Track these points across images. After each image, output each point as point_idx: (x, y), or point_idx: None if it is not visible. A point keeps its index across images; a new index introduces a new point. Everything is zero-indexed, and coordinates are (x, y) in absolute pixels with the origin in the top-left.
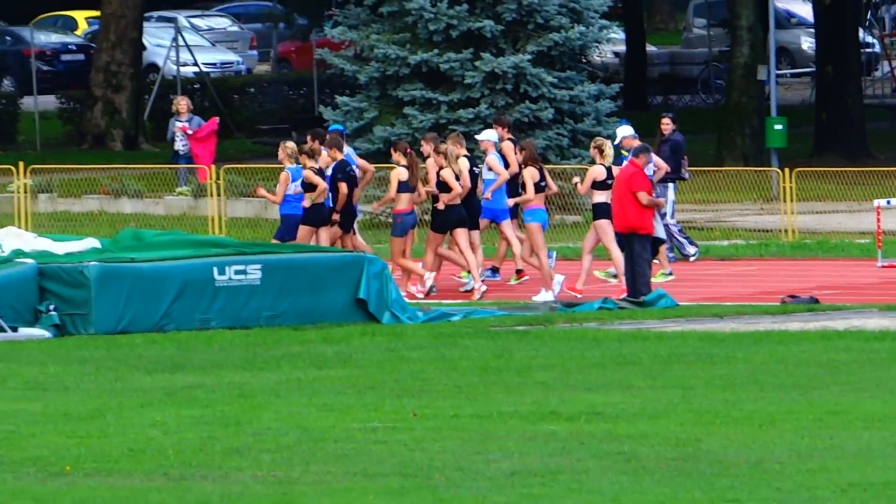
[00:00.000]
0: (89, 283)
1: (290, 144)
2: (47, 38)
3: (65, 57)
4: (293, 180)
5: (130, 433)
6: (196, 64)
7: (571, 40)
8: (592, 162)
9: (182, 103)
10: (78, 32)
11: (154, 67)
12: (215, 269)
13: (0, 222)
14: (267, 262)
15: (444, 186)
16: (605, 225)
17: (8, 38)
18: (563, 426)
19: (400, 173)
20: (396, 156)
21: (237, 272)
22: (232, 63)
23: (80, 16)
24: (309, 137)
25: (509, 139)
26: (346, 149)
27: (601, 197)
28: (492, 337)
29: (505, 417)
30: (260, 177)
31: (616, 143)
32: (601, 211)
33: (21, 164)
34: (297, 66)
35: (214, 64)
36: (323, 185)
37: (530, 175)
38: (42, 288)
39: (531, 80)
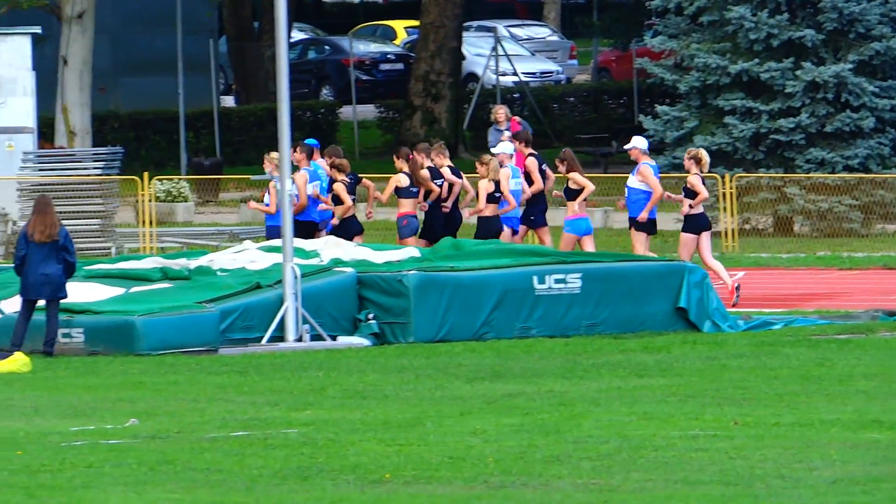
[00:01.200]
0: (409, 291)
1: (275, 154)
2: (366, 48)
3: (383, 66)
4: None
5: (450, 441)
6: (515, 73)
7: (893, 49)
8: None
9: (500, 112)
10: (397, 42)
11: (473, 77)
12: (535, 278)
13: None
14: (587, 270)
15: (490, 197)
16: None
17: (327, 47)
18: (885, 434)
19: (399, 179)
20: (399, 163)
21: (557, 281)
22: (551, 73)
23: (399, 25)
24: (298, 149)
25: (531, 154)
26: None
27: None
28: (813, 345)
29: (826, 426)
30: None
31: None
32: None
33: None
34: (616, 76)
35: (534, 73)
36: (349, 201)
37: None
38: (361, 297)
39: (852, 89)
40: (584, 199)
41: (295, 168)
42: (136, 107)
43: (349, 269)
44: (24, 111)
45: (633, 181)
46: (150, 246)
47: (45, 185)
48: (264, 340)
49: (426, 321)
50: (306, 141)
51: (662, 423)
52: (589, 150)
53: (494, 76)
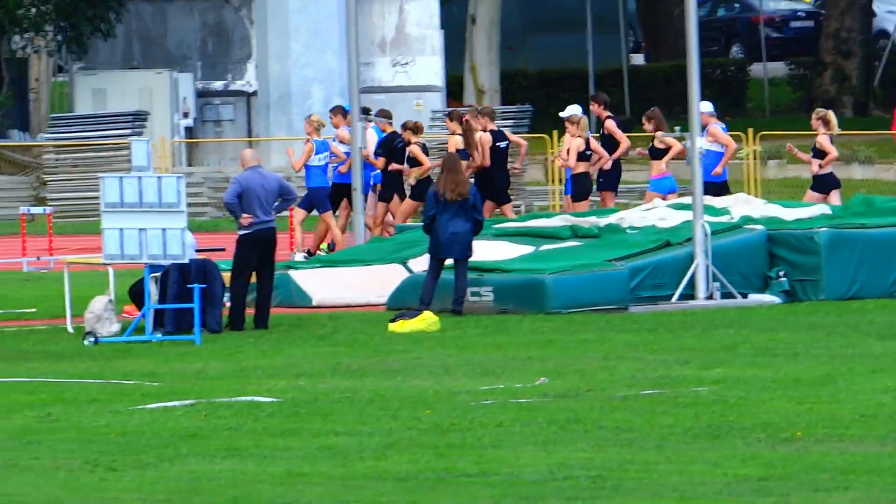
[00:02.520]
0: (819, 249)
1: (316, 117)
2: (776, 5)
3: (794, 24)
4: (317, 152)
5: (861, 399)
6: None
7: None
8: None
9: None
10: (807, 0)
11: (884, 34)
12: None
13: (730, 189)
14: None
15: (581, 155)
16: None
17: (737, 4)
18: None
19: (457, 141)
20: (452, 125)
21: None
22: None
23: None
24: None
25: (608, 117)
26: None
27: None
28: None
29: None
30: None
31: None
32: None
33: (750, 130)
34: None
35: None
36: (427, 162)
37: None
38: (772, 254)
39: None
40: (671, 158)
41: (415, 130)
42: (545, 65)
43: (759, 227)
44: (432, 70)
45: (705, 143)
46: (560, 203)
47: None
48: (674, 298)
49: (837, 278)
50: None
51: None
52: None
53: None
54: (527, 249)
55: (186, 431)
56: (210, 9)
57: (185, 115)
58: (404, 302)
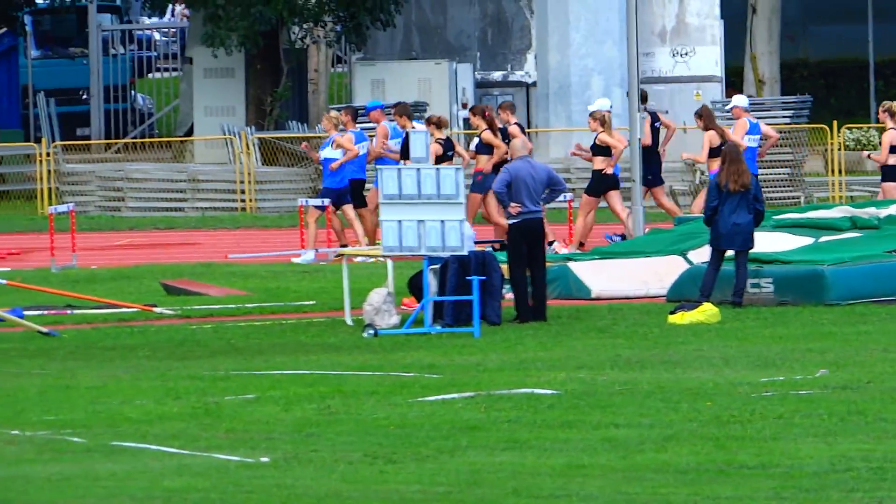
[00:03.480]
0: None
1: (334, 113)
2: None
3: None
4: (322, 148)
5: None
6: None
7: None
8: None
9: None
10: None
11: None
12: None
13: None
14: None
15: (602, 150)
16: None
17: None
18: None
19: (488, 136)
20: (476, 120)
21: None
22: None
23: None
24: (344, 112)
25: (645, 110)
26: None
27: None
28: None
29: None
30: None
31: None
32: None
33: None
34: None
35: None
36: (503, 146)
37: (709, 138)
38: None
39: None
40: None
41: (439, 125)
42: (825, 55)
43: None
44: (711, 60)
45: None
46: (839, 195)
47: None
48: None
49: None
50: (369, 103)
51: None
52: None
53: None
54: (806, 241)
55: (466, 424)
56: None
57: (464, 105)
58: (684, 293)
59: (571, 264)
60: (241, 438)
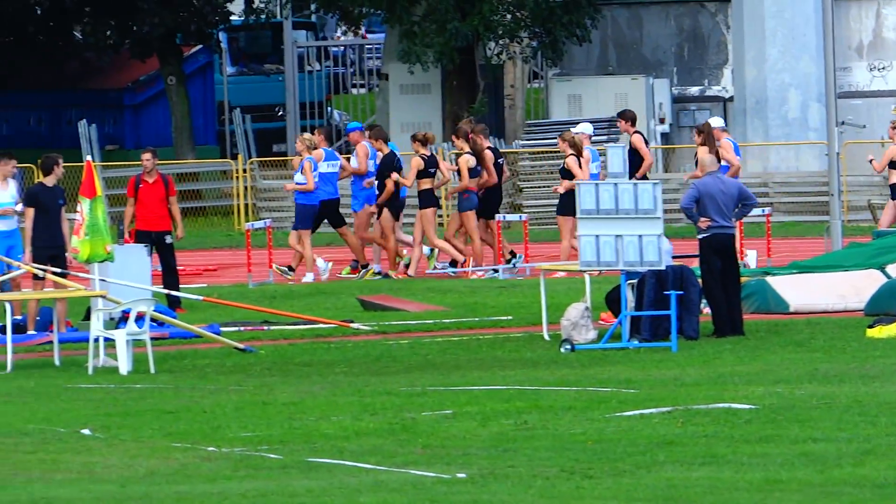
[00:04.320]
0: None
1: (307, 136)
2: None
3: None
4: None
5: None
6: None
7: None
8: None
9: None
10: None
11: None
12: None
13: None
14: None
15: (568, 174)
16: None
17: None
18: None
19: (468, 160)
20: (460, 143)
21: None
22: None
23: None
24: (317, 132)
25: (636, 132)
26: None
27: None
28: None
29: None
30: None
31: None
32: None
33: None
34: None
35: None
36: (583, 176)
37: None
38: None
39: None
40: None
41: (424, 143)
42: None
43: None
44: None
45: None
46: None
47: None
48: None
49: None
50: (349, 126)
51: None
52: None
53: None
54: None
55: (663, 439)
56: (686, 14)
57: (662, 121)
58: (882, 307)
59: (769, 279)
60: (438, 454)
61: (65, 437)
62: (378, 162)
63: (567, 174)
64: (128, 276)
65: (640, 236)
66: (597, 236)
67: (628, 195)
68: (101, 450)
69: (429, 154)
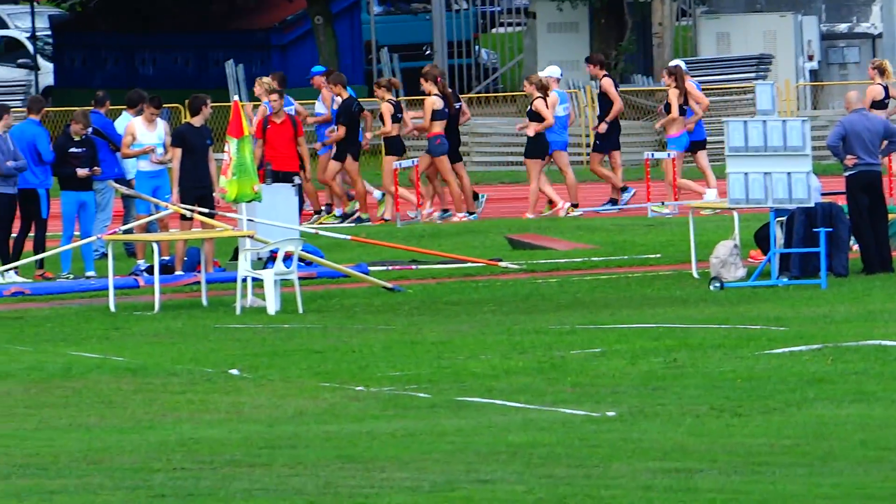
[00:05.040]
0: None
1: (266, 79)
2: None
3: None
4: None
5: None
6: None
7: None
8: None
9: None
10: None
11: None
12: None
13: None
14: None
15: (536, 116)
16: None
17: None
18: None
19: (434, 102)
20: (428, 85)
21: None
22: None
23: None
24: (272, 77)
25: (605, 76)
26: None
27: None
28: None
29: None
30: None
31: None
32: None
33: None
34: None
35: None
36: (550, 118)
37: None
38: None
39: None
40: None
41: (389, 88)
42: None
43: None
44: None
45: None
46: None
47: None
48: None
49: None
50: (314, 69)
51: None
52: None
53: None
54: None
55: (813, 376)
56: None
57: (810, 58)
58: None
59: None
60: (587, 392)
61: (213, 377)
62: (336, 107)
63: (535, 116)
64: (275, 216)
65: (788, 173)
66: (746, 174)
67: (777, 132)
68: (249, 390)
69: (395, 100)
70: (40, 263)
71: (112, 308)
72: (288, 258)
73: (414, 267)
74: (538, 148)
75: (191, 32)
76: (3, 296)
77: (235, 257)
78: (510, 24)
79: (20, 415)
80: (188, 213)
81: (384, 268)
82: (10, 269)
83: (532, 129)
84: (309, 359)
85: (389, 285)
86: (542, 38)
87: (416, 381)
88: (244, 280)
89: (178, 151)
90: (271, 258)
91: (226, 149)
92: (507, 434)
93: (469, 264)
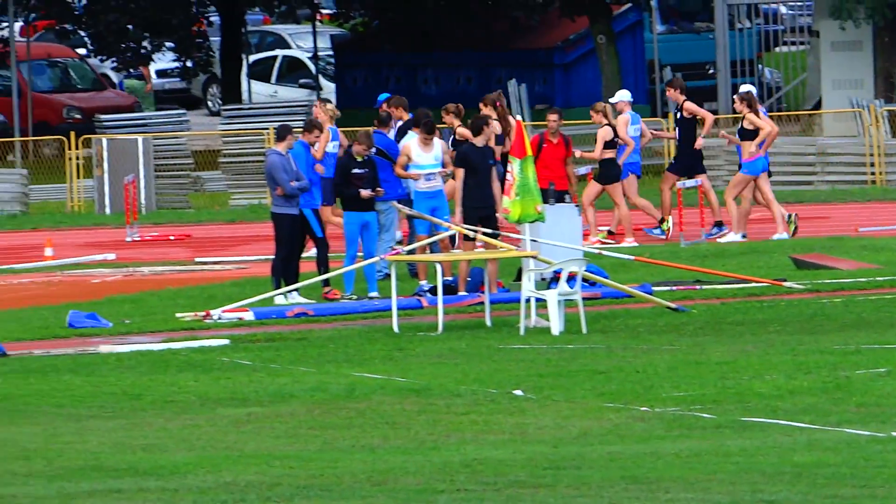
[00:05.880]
0: None
1: (330, 106)
2: None
3: None
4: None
5: None
6: None
7: None
8: None
9: None
10: None
11: None
12: None
13: None
14: None
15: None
16: None
17: None
18: None
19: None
20: (487, 110)
21: None
22: None
23: None
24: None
25: (686, 100)
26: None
27: None
28: None
29: None
30: None
31: None
32: None
33: None
34: None
35: None
36: (632, 143)
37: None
38: None
39: None
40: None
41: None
42: None
43: None
44: None
45: None
46: None
47: None
48: None
49: None
50: (381, 97)
51: None
52: None
53: None
54: None
55: None
56: None
57: None
58: None
59: None
60: (872, 413)
61: (497, 398)
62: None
63: (610, 144)
64: (559, 236)
65: None
66: None
67: None
68: (533, 411)
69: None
70: (326, 282)
71: (395, 329)
72: (572, 278)
73: (698, 287)
74: (610, 174)
75: (473, 51)
76: (287, 317)
77: (519, 278)
78: (793, 43)
79: (304, 436)
80: (471, 234)
81: (668, 288)
82: (293, 290)
83: (598, 152)
84: (593, 379)
85: (673, 305)
86: (826, 56)
87: (701, 401)
88: (528, 300)
89: (462, 172)
90: (555, 278)
91: (509, 168)
92: (792, 454)
93: (753, 284)
